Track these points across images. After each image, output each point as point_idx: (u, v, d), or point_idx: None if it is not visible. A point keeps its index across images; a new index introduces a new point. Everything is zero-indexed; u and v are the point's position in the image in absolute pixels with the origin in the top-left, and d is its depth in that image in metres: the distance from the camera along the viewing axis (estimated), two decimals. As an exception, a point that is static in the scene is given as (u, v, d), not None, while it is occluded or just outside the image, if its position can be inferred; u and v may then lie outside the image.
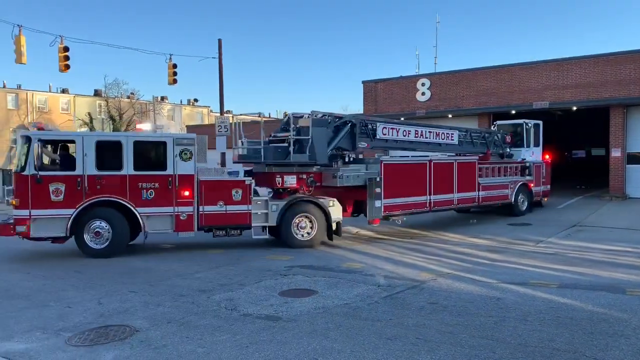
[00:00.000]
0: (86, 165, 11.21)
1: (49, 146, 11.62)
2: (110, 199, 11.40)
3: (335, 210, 13.03)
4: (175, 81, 23.07)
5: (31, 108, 55.33)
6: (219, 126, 23.53)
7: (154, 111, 53.89)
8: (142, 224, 11.63)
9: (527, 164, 18.45)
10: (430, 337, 5.91)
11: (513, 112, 23.50)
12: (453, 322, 6.42)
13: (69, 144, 11.80)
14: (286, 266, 10.13)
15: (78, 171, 11.20)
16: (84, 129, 49.23)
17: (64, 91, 60.41)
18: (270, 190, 13.41)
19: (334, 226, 13.05)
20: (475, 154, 17.03)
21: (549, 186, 19.66)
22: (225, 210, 12.21)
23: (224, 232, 12.48)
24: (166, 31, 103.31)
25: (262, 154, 12.87)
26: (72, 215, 11.16)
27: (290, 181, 12.88)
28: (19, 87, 57.06)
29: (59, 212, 11.13)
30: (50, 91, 59.00)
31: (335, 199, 13.18)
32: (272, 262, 10.68)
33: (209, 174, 12.46)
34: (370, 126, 14.55)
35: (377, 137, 14.68)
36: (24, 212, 11.03)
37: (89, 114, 46.38)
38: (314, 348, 5.58)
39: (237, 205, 12.28)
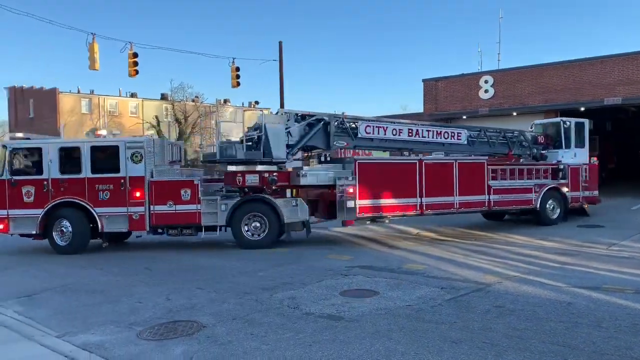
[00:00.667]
0: (51, 169, 12.40)
1: (21, 153, 12.72)
2: (71, 200, 12.43)
3: (299, 210, 12.84)
4: (238, 84, 23.58)
5: (103, 112, 58.08)
6: (279, 127, 23.80)
7: (217, 113, 55.29)
8: (99, 224, 12.45)
9: (561, 167, 16.43)
10: (497, 341, 5.72)
11: (582, 109, 22.44)
12: (521, 327, 6.18)
13: (40, 151, 12.70)
14: (347, 266, 10.12)
15: (44, 175, 12.41)
16: (152, 132, 51.27)
17: (132, 95, 63.09)
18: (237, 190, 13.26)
19: (301, 225, 12.99)
20: (492, 155, 16.13)
21: (595, 192, 17.12)
22: (175, 210, 12.57)
23: (176, 231, 12.82)
24: (229, 35, 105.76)
25: (217, 152, 13.00)
26: (40, 214, 12.35)
27: (252, 180, 12.82)
28: (92, 92, 60.09)
29: (31, 212, 12.39)
30: (120, 95, 61.75)
31: (300, 199, 13.02)
32: (332, 261, 10.70)
33: (162, 174, 12.91)
34: (351, 124, 14.33)
35: (359, 135, 14.40)
36: (3, 212, 12.46)
37: (156, 117, 48.15)
38: (377, 349, 5.53)
39: (186, 204, 12.58)
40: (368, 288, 8.26)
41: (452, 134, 15.80)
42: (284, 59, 25.44)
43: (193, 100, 54.26)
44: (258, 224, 12.79)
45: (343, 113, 15.39)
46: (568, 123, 17.37)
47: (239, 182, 12.83)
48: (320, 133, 13.90)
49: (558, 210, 16.16)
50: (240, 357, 5.39)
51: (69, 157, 12.59)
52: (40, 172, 12.49)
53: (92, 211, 12.46)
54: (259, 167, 13.15)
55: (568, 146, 17.19)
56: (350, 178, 13.25)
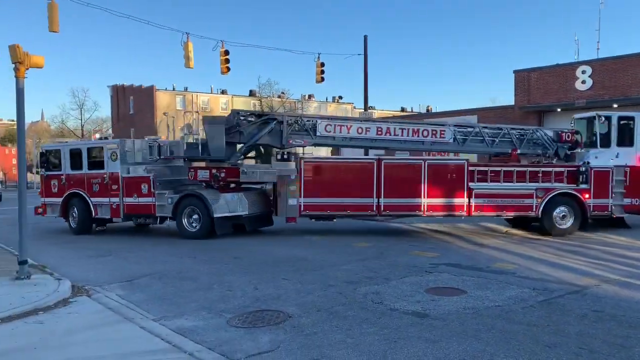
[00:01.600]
0: (66, 167, 15.57)
1: (50, 155, 16.00)
2: (76, 191, 15.40)
3: (238, 205, 14.07)
4: (322, 79, 23.75)
5: (196, 108, 60.87)
6: (363, 122, 23.73)
7: (302, 109, 56.12)
8: (93, 210, 15.20)
9: (582, 169, 14.05)
10: (596, 348, 5.35)
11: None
12: (623, 334, 5.74)
13: (59, 152, 15.95)
14: (432, 263, 9.90)
15: (62, 171, 15.65)
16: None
17: (223, 92, 65.62)
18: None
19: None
20: (498, 154, 15.06)
21: (638, 200, 14.25)
22: (138, 202, 14.63)
23: (142, 219, 15.05)
24: (315, 31, 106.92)
25: (168, 149, 15.41)
26: (60, 202, 15.63)
27: (204, 175, 14.34)
28: (185, 89, 63.18)
29: (56, 200, 15.77)
30: (211, 92, 64.47)
31: (241, 194, 14.19)
32: (417, 258, 10.51)
33: (134, 171, 14.78)
34: (309, 123, 14.61)
35: (319, 134, 14.62)
36: (42, 200, 16.15)
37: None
38: (464, 349, 5.35)
39: (145, 197, 14.54)
40: (454, 286, 8.04)
41: (434, 132, 14.98)
42: (369, 54, 25.28)
43: (279, 96, 55.46)
44: (196, 216, 14.04)
45: (300, 112, 16.90)
46: (604, 118, 14.79)
47: (192, 177, 14.56)
48: (274, 132, 14.51)
49: (571, 220, 13.98)
50: (325, 349, 5.43)
51: (75, 157, 15.49)
52: (60, 169, 15.70)
53: (89, 200, 15.23)
54: (212, 164, 14.49)
55: (606, 145, 14.68)
56: (293, 176, 13.79)
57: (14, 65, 8.00)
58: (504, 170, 14.08)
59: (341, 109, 72.18)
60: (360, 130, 14.84)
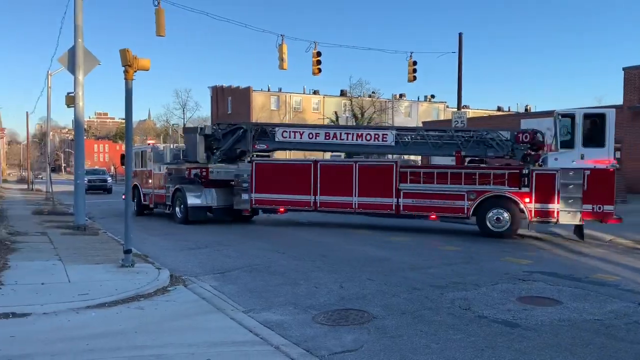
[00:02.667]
0: (144, 165, 19.64)
1: (137, 155, 19.99)
2: (135, 183, 19.71)
3: (208, 198, 17.02)
4: (414, 78, 23.39)
5: (289, 108, 62.31)
6: (455, 121, 23.12)
7: (392, 108, 55.61)
8: (142, 198, 19.81)
9: (525, 172, 13.38)
10: None
11: None
12: None
13: (143, 153, 20.16)
14: (525, 271, 9.41)
15: (145, 168, 19.64)
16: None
17: (315, 92, 66.54)
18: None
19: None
20: (435, 155, 16.25)
21: (608, 207, 12.72)
22: (158, 193, 18.68)
23: (164, 207, 18.30)
24: (407, 30, 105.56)
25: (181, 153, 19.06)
26: (141, 192, 20.02)
27: (194, 173, 17.39)
28: (279, 90, 64.80)
29: (145, 190, 19.83)
30: (304, 92, 65.60)
31: (210, 189, 17.13)
32: (508, 264, 10.05)
33: (158, 169, 18.92)
34: (270, 129, 17.15)
35: (277, 139, 16.84)
36: (144, 191, 19.95)
37: (335, 112, 50.12)
38: (558, 364, 5.03)
39: (161, 189, 18.53)
40: (549, 296, 7.59)
41: (377, 136, 15.85)
42: (464, 52, 24.51)
43: (370, 96, 55.32)
44: (183, 206, 17.13)
45: (257, 121, 21.17)
46: (561, 118, 13.48)
47: (187, 175, 17.63)
48: (242, 139, 17.22)
49: (507, 223, 13.63)
50: (408, 353, 5.34)
51: (137, 157, 19.78)
52: (145, 166, 19.69)
53: (140, 190, 19.80)
54: (194, 165, 17.59)
55: (568, 145, 13.42)
56: (246, 175, 16.47)
57: (123, 69, 8.61)
58: (437, 172, 14.50)
59: (433, 108, 70.60)
60: (310, 136, 16.58)
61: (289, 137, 16.77)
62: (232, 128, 17.56)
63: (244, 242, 13.14)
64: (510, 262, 10.30)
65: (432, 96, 74.25)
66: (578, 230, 13.49)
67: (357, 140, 16.12)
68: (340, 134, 16.32)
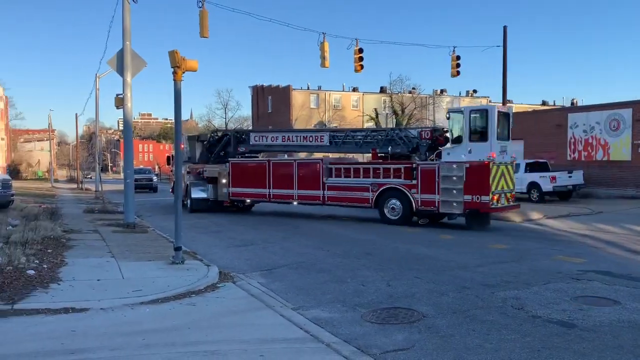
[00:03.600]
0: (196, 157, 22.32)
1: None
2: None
3: (205, 192, 20.55)
4: (458, 73, 22.97)
5: (328, 106, 62.28)
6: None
7: (433, 104, 54.84)
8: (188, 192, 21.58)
9: (414, 166, 15.52)
10: None
11: None
12: None
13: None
14: (579, 270, 9.11)
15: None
16: (370, 124, 53.26)
17: (354, 90, 66.29)
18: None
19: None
20: (359, 153, 18.90)
21: (483, 197, 14.04)
22: (183, 186, 19.19)
23: (185, 201, 20.55)
24: (449, 25, 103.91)
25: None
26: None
27: (198, 171, 20.93)
28: (319, 88, 64.86)
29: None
30: (343, 90, 65.45)
31: (208, 184, 20.56)
32: (560, 263, 9.75)
33: (183, 167, 19.97)
34: (245, 136, 21.34)
35: (250, 143, 20.81)
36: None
37: (375, 109, 49.83)
38: (620, 366, 4.85)
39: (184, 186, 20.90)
40: (606, 296, 7.32)
41: (316, 138, 19.03)
42: (508, 45, 23.92)
43: (410, 92, 54.74)
44: (189, 199, 20.55)
45: (245, 127, 28.35)
46: (450, 114, 15.52)
47: (195, 173, 21.13)
48: (227, 143, 21.35)
49: (400, 212, 15.81)
50: (462, 352, 5.25)
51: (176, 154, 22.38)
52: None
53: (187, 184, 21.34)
54: (198, 166, 21.52)
55: (458, 140, 15.01)
56: (225, 173, 20.03)
57: (172, 70, 8.79)
58: (352, 168, 17.10)
59: (476, 103, 69.24)
60: (273, 139, 20.28)
61: (259, 141, 20.76)
62: (221, 135, 22.01)
63: (288, 239, 13.25)
64: (562, 260, 10.00)
65: (475, 91, 72.86)
66: (476, 220, 14.90)
67: (303, 141, 19.39)
68: (292, 136, 19.88)
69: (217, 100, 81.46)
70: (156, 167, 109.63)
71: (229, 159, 20.41)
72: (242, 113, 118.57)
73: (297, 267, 9.64)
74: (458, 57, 22.92)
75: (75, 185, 50.56)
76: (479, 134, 14.75)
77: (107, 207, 21.05)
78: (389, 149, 16.72)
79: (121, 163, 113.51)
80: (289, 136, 19.97)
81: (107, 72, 31.12)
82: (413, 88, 55.06)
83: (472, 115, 15.02)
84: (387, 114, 54.50)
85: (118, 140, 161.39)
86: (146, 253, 10.32)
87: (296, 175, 18.19)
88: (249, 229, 15.52)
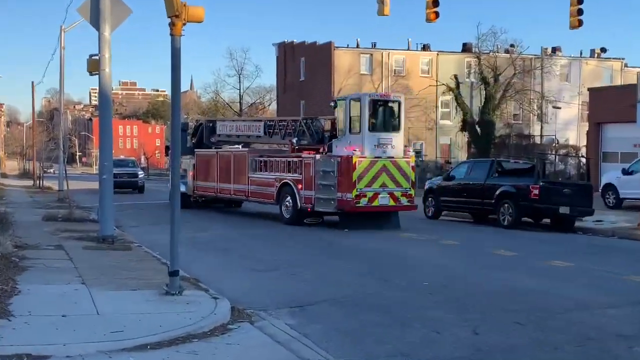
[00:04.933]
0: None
1: None
2: None
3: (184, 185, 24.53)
4: (579, 23, 22.39)
5: (386, 72, 62.04)
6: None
7: (542, 69, 53.88)
8: None
9: (299, 159, 19.80)
10: None
11: None
12: None
13: None
14: None
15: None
16: (448, 98, 52.85)
17: (424, 48, 65.70)
18: None
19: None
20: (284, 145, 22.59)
21: (347, 195, 18.30)
22: None
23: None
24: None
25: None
26: None
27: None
28: (373, 45, 64.65)
29: None
30: (408, 49, 64.96)
31: (186, 177, 25.69)
32: None
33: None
34: (213, 125, 27.36)
35: (217, 132, 26.62)
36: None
37: (455, 76, 49.21)
38: None
39: None
40: None
41: (256, 127, 24.39)
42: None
43: (507, 51, 53.96)
44: None
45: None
46: (333, 103, 20.41)
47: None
48: (202, 132, 27.23)
49: (292, 211, 20.03)
50: None
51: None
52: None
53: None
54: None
55: (343, 133, 19.35)
56: (192, 165, 26.26)
57: (169, 20, 8.92)
58: (265, 161, 21.91)
59: (604, 68, 67.59)
60: (229, 128, 26.25)
61: (223, 130, 26.44)
62: (197, 125, 28.66)
63: (325, 262, 13.37)
64: None
65: (603, 50, 71.04)
66: (392, 219, 19.36)
67: (247, 131, 24.85)
68: (241, 126, 25.79)
69: (229, 64, 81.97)
70: (142, 157, 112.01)
71: (195, 150, 26.40)
72: (263, 81, 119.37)
73: (341, 302, 9.67)
74: (580, 1, 22.40)
75: (30, 182, 52.01)
76: (357, 125, 18.85)
77: (74, 213, 21.54)
78: (295, 140, 20.91)
79: (95, 152, 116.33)
80: (239, 126, 25.93)
81: (76, 24, 31.95)
82: (511, 45, 54.21)
83: (351, 104, 19.13)
84: (472, 82, 53.95)
85: (90, 119, 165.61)
86: (129, 279, 10.51)
87: (233, 169, 23.36)
88: (268, 246, 15.70)
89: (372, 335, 7.95)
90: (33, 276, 10.50)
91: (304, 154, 19.85)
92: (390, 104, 19.55)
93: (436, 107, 58.83)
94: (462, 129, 47.95)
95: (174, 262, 9.31)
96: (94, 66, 15.06)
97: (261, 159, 22.14)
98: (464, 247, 16.10)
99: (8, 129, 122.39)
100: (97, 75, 14.95)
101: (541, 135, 53.42)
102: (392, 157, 18.68)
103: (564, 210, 19.80)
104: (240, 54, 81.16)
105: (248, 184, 22.27)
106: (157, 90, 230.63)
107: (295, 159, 20.14)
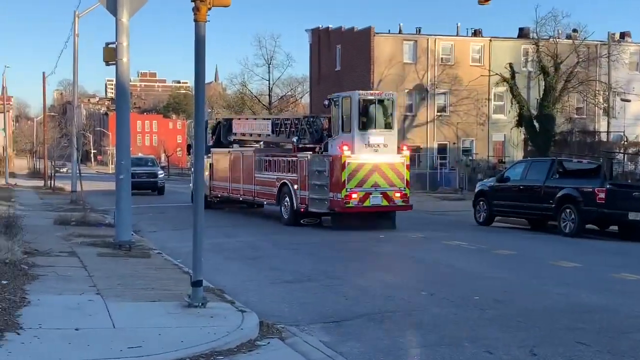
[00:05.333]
0: None
1: None
2: None
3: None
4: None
5: (432, 60, 61.66)
6: None
7: (609, 57, 53.13)
8: None
9: (295, 158, 21.79)
10: None
11: None
12: None
13: None
14: None
15: None
16: (502, 89, 52.32)
17: (475, 33, 65.23)
18: None
19: None
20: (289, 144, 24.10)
21: (337, 195, 20.09)
22: None
23: None
24: None
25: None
26: None
27: None
28: (418, 31, 64.34)
29: None
30: (457, 34, 64.56)
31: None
32: None
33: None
34: (230, 124, 29.37)
35: (233, 131, 28.63)
36: None
37: (510, 65, 48.74)
38: None
39: None
40: None
41: (264, 126, 26.14)
42: None
43: (569, 37, 53.30)
44: None
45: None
46: (327, 101, 22.05)
47: None
48: (219, 131, 29.70)
49: (289, 212, 21.88)
50: None
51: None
52: None
53: None
54: None
55: (336, 132, 21.09)
56: (209, 164, 27.10)
57: (193, 5, 8.98)
58: (269, 160, 23.84)
59: None
60: (245, 126, 28.14)
61: (238, 129, 28.39)
62: (217, 122, 31.15)
63: (365, 272, 13.41)
64: None
65: (678, 34, 69.73)
66: (388, 219, 21.08)
67: (257, 129, 26.76)
68: (254, 124, 27.67)
69: (257, 53, 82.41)
70: (162, 155, 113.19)
71: (212, 149, 28.37)
72: (295, 72, 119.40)
73: (381, 317, 9.65)
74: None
75: (41, 183, 52.75)
76: (349, 124, 20.51)
77: (89, 216, 21.85)
78: (295, 139, 22.64)
79: (111, 149, 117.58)
80: (252, 124, 28.02)
81: (90, 9, 32.41)
82: (574, 30, 53.55)
83: (343, 102, 20.84)
84: (529, 72, 53.38)
85: (106, 113, 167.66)
86: (148, 289, 10.61)
87: (242, 168, 25.50)
88: (301, 254, 15.74)
89: (416, 355, 7.91)
90: (44, 285, 10.66)
91: (300, 154, 21.78)
92: (382, 102, 20.88)
93: (488, 99, 58.12)
94: (518, 124, 47.42)
95: (197, 271, 9.37)
96: (110, 55, 15.25)
97: (266, 158, 24.13)
98: (520, 258, 15.97)
99: (17, 125, 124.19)
100: (114, 65, 15.14)
101: (608, 132, 52.46)
102: (385, 156, 20.22)
103: (633, 216, 19.51)
104: (270, 41, 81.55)
105: (254, 184, 24.31)
106: (179, 82, 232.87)
107: (292, 159, 22.09)
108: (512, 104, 48.80)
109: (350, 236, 19.37)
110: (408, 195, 20.56)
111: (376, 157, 20.08)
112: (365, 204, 19.69)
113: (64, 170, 66.21)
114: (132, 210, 15.83)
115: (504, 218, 24.06)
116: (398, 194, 19.98)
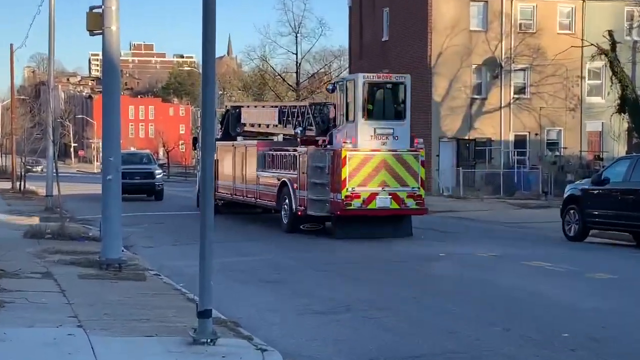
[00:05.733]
0: None
1: None
2: None
3: None
4: None
5: (508, 27, 61.15)
6: None
7: None
8: None
9: (295, 154, 22.54)
10: None
11: None
12: None
13: None
14: None
15: None
16: (599, 64, 51.72)
17: (565, -8, 64.59)
18: None
19: None
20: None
21: (336, 195, 21.01)
22: None
23: None
24: None
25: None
26: None
27: None
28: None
29: None
30: (540, -7, 63.97)
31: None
32: None
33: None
34: (239, 112, 30.85)
35: (241, 121, 30.26)
36: None
37: (610, 33, 48.32)
38: None
39: None
40: None
41: (271, 116, 27.59)
42: None
43: (687, -4, 52.68)
44: None
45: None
46: (332, 86, 23.64)
47: None
48: (227, 121, 31.33)
49: (288, 216, 22.69)
50: None
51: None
52: None
53: None
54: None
55: (341, 121, 22.11)
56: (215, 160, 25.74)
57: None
58: (273, 155, 24.84)
59: None
60: (252, 116, 29.81)
61: (247, 119, 30.04)
62: (225, 111, 32.50)
63: (420, 301, 13.39)
64: None
65: None
66: (402, 225, 21.36)
67: (266, 119, 28.38)
68: (263, 114, 29.01)
69: (281, 19, 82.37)
70: (161, 150, 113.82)
71: (217, 142, 28.12)
72: (330, 43, 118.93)
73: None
74: None
75: (8, 185, 53.09)
76: (348, 114, 21.47)
77: (68, 227, 21.93)
78: (299, 131, 23.87)
79: (96, 142, 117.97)
80: (260, 113, 29.75)
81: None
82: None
83: (347, 87, 21.75)
84: (635, 42, 52.85)
85: (90, 96, 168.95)
86: (143, 320, 10.64)
87: (245, 165, 26.68)
88: (335, 277, 15.73)
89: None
90: (12, 316, 10.70)
91: (300, 148, 22.84)
92: (391, 87, 21.35)
93: (581, 78, 57.15)
94: (620, 109, 46.81)
95: (204, 298, 9.36)
96: (95, 22, 15.27)
97: (269, 153, 25.40)
98: (622, 283, 15.78)
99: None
100: (100, 35, 15.17)
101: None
102: (395, 150, 20.46)
103: None
104: (298, 4, 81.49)
105: (257, 184, 25.63)
106: (182, 57, 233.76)
107: (292, 153, 23.26)
108: (612, 83, 47.92)
109: (396, 254, 19.31)
110: (423, 196, 20.88)
111: (384, 152, 20.49)
112: (370, 207, 20.28)
113: (38, 169, 66.85)
114: (122, 220, 15.92)
115: (602, 231, 23.80)
116: (411, 196, 20.34)
